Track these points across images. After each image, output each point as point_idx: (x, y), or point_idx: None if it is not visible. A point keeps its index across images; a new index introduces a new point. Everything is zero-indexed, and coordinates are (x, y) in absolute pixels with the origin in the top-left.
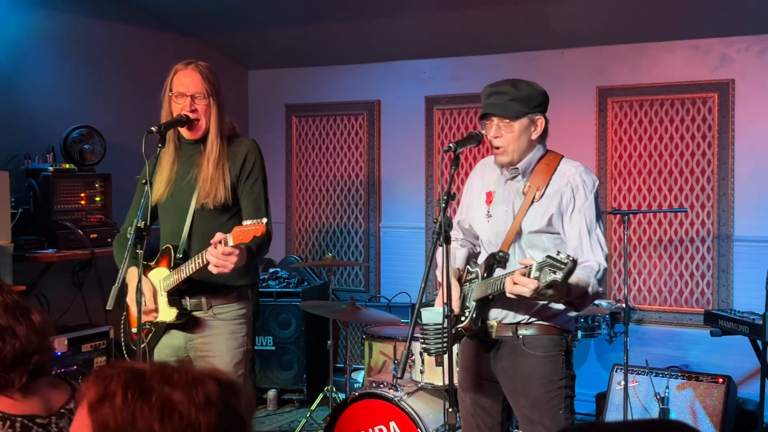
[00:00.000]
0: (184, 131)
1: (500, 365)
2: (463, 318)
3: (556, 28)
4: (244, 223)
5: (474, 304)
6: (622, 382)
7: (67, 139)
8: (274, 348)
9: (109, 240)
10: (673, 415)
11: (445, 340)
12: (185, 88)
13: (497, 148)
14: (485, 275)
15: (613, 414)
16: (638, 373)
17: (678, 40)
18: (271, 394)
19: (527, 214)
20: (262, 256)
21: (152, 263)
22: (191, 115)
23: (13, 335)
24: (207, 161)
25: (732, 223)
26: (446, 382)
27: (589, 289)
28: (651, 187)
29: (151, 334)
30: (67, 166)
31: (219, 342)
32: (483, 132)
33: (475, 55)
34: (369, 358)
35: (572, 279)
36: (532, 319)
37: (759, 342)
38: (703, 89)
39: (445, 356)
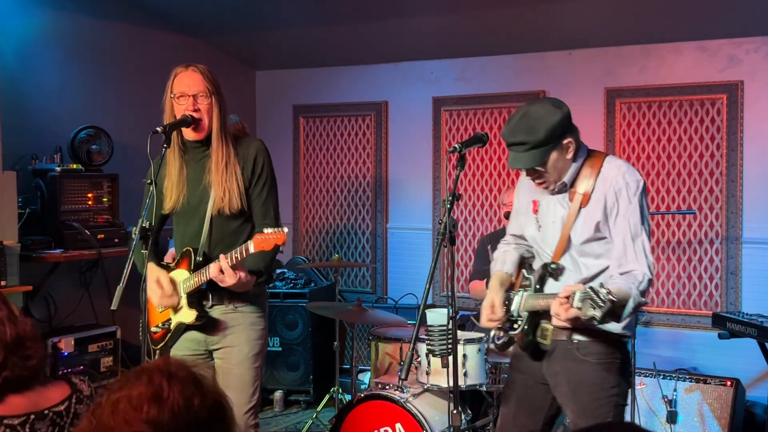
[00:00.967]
0: (188, 132)
1: (552, 369)
2: (515, 326)
3: (563, 29)
4: (265, 230)
5: (526, 314)
6: None
7: (75, 140)
8: (280, 349)
9: (117, 240)
10: (681, 418)
11: (449, 341)
12: (187, 88)
13: (538, 183)
14: (537, 286)
15: None
16: (646, 376)
17: (686, 41)
18: (278, 395)
19: (575, 222)
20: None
21: (172, 264)
22: (195, 115)
23: None
24: (217, 165)
25: (740, 225)
26: (451, 383)
27: (631, 301)
28: (659, 188)
29: (169, 335)
30: (75, 166)
31: (239, 333)
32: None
33: (483, 56)
34: (375, 360)
35: (613, 289)
36: (588, 325)
37: (767, 345)
38: (711, 90)
39: (450, 358)
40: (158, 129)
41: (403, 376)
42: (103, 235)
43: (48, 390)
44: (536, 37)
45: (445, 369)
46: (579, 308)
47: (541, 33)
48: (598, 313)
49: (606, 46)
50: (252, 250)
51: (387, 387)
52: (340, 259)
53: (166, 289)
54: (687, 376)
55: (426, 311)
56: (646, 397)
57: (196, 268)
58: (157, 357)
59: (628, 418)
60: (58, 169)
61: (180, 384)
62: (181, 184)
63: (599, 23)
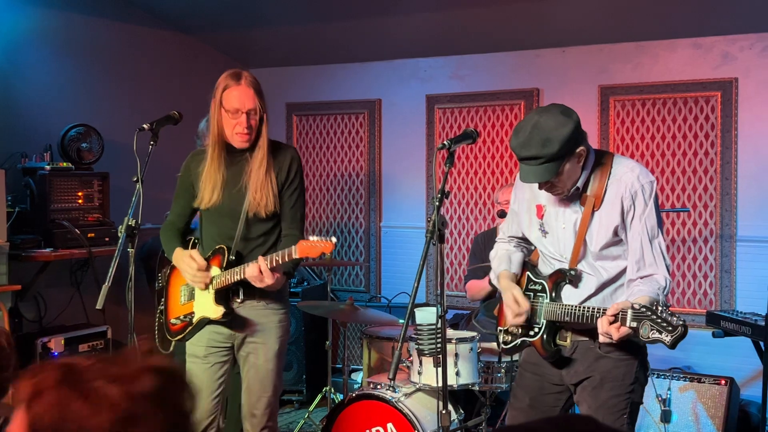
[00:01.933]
0: (236, 142)
1: (575, 370)
2: (531, 333)
3: (557, 26)
4: (311, 238)
5: (545, 322)
6: None
7: (65, 138)
8: None
9: (107, 239)
10: (675, 417)
11: (439, 340)
12: (241, 104)
13: (553, 192)
14: (553, 294)
15: None
16: None
17: (680, 38)
18: None
19: (590, 227)
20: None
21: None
22: (247, 132)
23: None
24: (257, 170)
25: (735, 223)
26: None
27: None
28: None
29: (190, 328)
30: (65, 164)
31: (269, 330)
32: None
33: (476, 54)
34: (368, 359)
35: (638, 297)
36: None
37: (762, 343)
38: (705, 88)
39: (440, 357)
40: (144, 126)
41: (390, 376)
42: (93, 234)
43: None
44: (530, 34)
45: (437, 368)
46: (633, 327)
47: (534, 30)
48: (667, 338)
49: (600, 44)
50: (296, 255)
51: (379, 386)
52: (332, 257)
53: (200, 263)
54: (681, 375)
55: (415, 310)
56: None
57: (229, 266)
58: (173, 348)
59: None
60: (47, 167)
61: None
62: (217, 183)
63: (593, 20)
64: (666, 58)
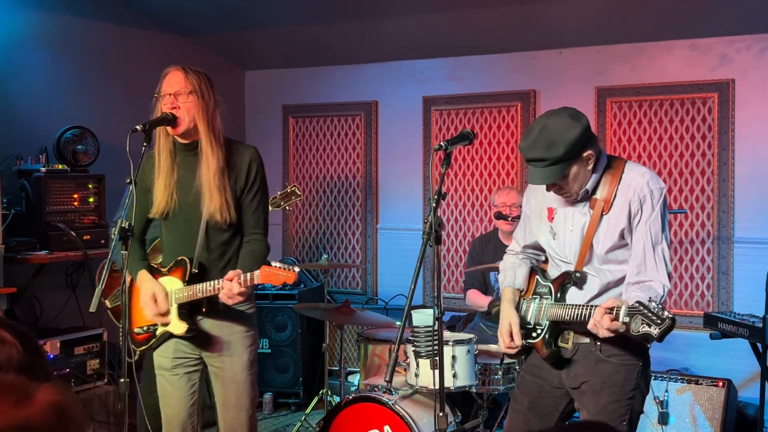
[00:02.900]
0: (169, 131)
1: (575, 372)
2: (534, 335)
3: (554, 27)
4: (274, 264)
5: (547, 323)
6: None
7: (60, 140)
8: (270, 351)
9: (103, 241)
10: (672, 419)
11: (435, 342)
12: (169, 86)
13: (562, 194)
14: (558, 295)
15: None
16: None
17: (677, 39)
18: (267, 397)
19: (597, 230)
20: None
21: (164, 269)
22: (175, 112)
23: None
24: (208, 171)
25: (732, 224)
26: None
27: None
28: None
29: (154, 339)
30: (60, 166)
31: (234, 343)
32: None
33: (473, 55)
34: (364, 361)
35: (632, 301)
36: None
37: (759, 345)
38: (702, 89)
39: (437, 359)
40: (138, 127)
41: (387, 379)
42: (89, 236)
43: None
44: (527, 36)
45: (434, 370)
46: (626, 323)
47: (531, 32)
48: (655, 331)
49: (597, 45)
50: (257, 281)
51: (376, 389)
52: (329, 260)
53: (161, 306)
54: (678, 377)
55: (412, 312)
56: None
57: (191, 280)
58: (136, 357)
59: None
60: (43, 169)
61: None
62: (171, 188)
63: (590, 22)
64: (663, 59)
